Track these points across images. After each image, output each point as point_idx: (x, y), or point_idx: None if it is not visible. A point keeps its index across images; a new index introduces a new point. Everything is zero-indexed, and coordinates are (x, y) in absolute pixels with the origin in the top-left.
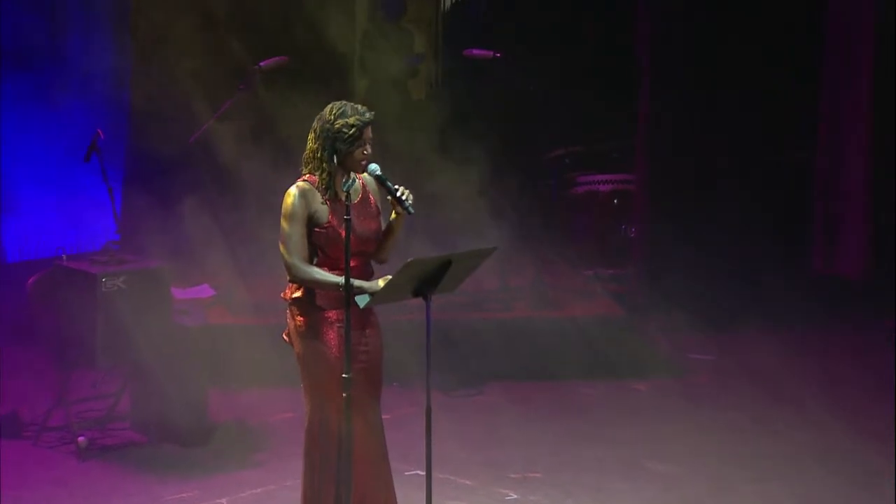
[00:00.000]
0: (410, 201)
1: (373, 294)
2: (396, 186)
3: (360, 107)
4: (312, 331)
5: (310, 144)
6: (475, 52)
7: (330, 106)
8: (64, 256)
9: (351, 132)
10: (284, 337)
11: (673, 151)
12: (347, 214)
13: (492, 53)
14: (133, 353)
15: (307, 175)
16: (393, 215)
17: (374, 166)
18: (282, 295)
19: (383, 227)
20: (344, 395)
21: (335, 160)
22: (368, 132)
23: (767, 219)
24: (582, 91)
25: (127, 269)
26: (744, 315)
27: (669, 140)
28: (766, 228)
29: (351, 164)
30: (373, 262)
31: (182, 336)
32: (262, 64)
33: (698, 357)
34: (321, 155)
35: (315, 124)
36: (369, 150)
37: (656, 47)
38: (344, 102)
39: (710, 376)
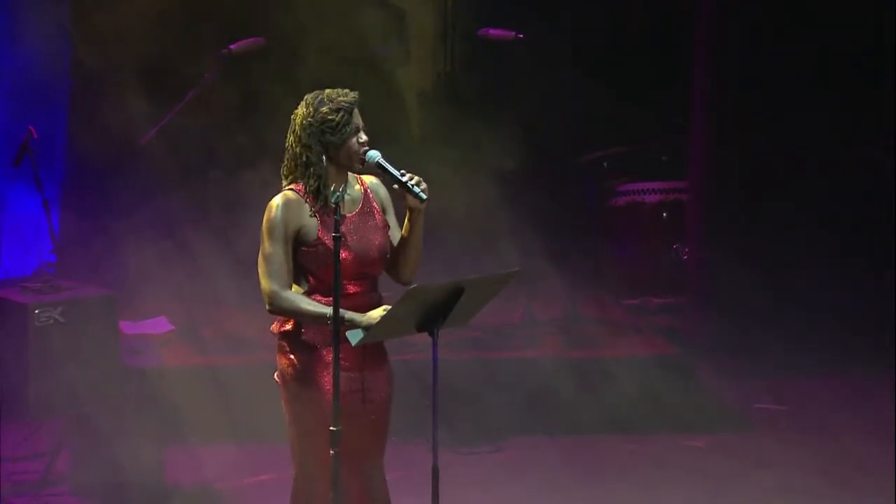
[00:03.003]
0: (422, 187)
1: (367, 328)
2: (402, 171)
3: (338, 90)
4: (304, 373)
5: (290, 151)
6: (492, 32)
7: (304, 100)
8: None
9: (339, 117)
10: (276, 379)
11: (734, 154)
12: (336, 231)
13: (513, 34)
14: (73, 402)
15: (291, 184)
16: (407, 215)
17: (373, 153)
18: (271, 328)
19: (396, 238)
20: (332, 452)
21: (325, 158)
22: (358, 117)
23: (847, 235)
24: (624, 80)
25: (65, 297)
26: (823, 355)
27: (730, 140)
28: (846, 247)
29: (347, 159)
30: (389, 286)
31: (133, 380)
32: (232, 47)
33: (767, 407)
34: (307, 158)
35: (292, 126)
36: (364, 138)
37: (715, 27)
38: (318, 91)
39: (781, 431)
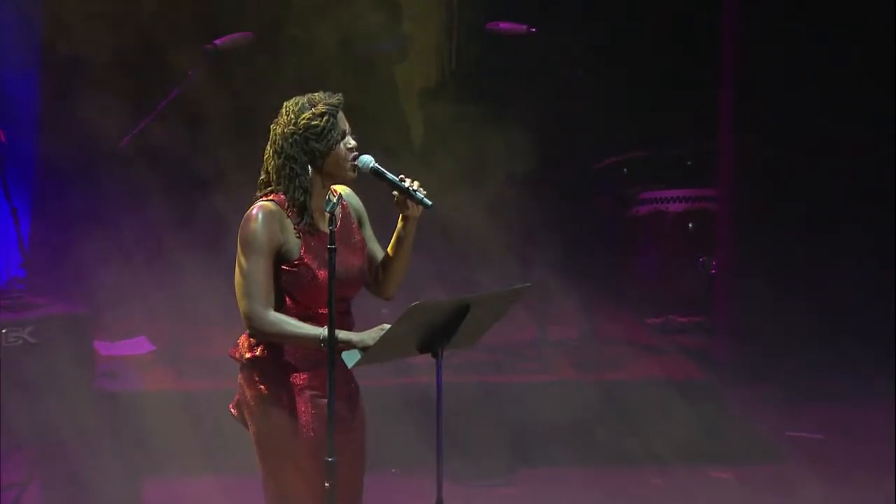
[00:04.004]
0: (424, 193)
1: (364, 349)
2: (401, 176)
3: (321, 93)
4: (276, 401)
5: (270, 163)
6: (502, 25)
7: (283, 108)
8: None
9: (323, 122)
10: (232, 410)
11: (768, 159)
12: (332, 243)
13: (525, 28)
14: (43, 429)
15: (271, 194)
16: (399, 224)
17: (366, 158)
18: (231, 352)
19: (376, 250)
20: (327, 484)
21: (311, 169)
22: (344, 120)
23: (890, 247)
24: (646, 78)
25: (36, 315)
26: (862, 380)
27: (763, 143)
28: (886, 260)
29: (336, 168)
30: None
31: (110, 406)
32: (217, 42)
33: (800, 436)
34: (291, 169)
35: (273, 136)
36: (353, 143)
37: (746, 19)
38: (299, 96)
39: (816, 461)
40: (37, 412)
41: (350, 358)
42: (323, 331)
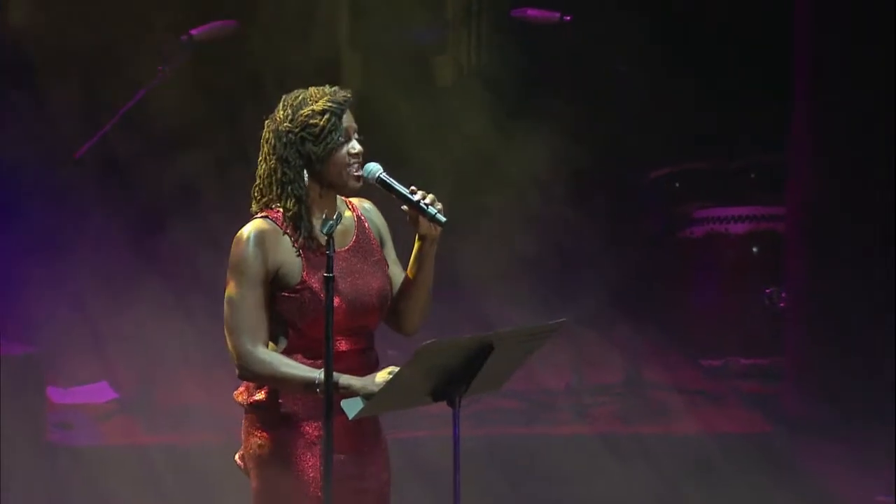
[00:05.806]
0: (438, 207)
1: (368, 397)
2: (412, 188)
3: (325, 87)
4: (281, 455)
5: (263, 166)
6: (531, 13)
7: (282, 101)
8: None
9: (323, 121)
10: (237, 461)
11: (847, 172)
12: (329, 270)
13: (558, 16)
14: None
15: (265, 209)
16: (416, 245)
17: (373, 166)
18: (235, 395)
19: (397, 276)
20: None
21: (306, 176)
22: (350, 120)
23: None
24: (702, 75)
25: None
26: None
27: (841, 154)
28: None
29: (335, 176)
30: (396, 339)
31: (65, 462)
32: (193, 33)
33: (891, 502)
34: (283, 174)
35: (265, 135)
36: (358, 148)
37: (822, 11)
38: (300, 90)
39: None
40: None
41: (351, 407)
42: (319, 373)
